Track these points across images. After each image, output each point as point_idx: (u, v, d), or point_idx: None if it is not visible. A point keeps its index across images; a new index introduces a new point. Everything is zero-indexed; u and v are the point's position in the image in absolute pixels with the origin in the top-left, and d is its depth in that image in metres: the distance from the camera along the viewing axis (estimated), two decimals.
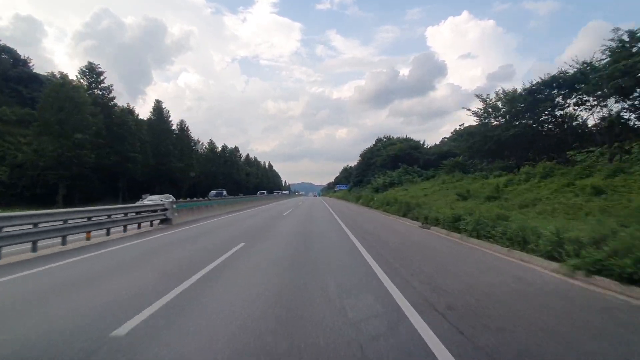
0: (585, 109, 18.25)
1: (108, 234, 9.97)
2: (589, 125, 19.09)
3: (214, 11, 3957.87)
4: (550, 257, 5.55)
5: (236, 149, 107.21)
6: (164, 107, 51.96)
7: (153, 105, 50.38)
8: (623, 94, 14.37)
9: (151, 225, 12.71)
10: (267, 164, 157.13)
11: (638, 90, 14.20)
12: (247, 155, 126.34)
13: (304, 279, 5.09)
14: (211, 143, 78.37)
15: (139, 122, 46.00)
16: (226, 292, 4.53)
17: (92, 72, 38.83)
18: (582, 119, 19.13)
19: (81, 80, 38.55)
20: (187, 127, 57.74)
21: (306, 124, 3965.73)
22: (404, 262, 6.35)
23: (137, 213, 11.86)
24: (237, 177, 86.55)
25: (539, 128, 20.57)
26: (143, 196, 31.80)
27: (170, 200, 20.13)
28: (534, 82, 19.43)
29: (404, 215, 16.25)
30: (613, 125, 16.10)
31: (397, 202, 19.66)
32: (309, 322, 3.36)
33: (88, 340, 2.99)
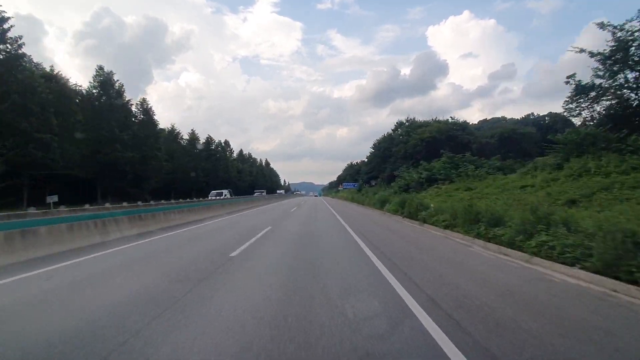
0: None
1: None
2: None
3: (215, 10, 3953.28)
4: None
5: (226, 144, 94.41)
6: (116, 79, 38.84)
7: (95, 72, 37.04)
8: None
9: None
10: (263, 161, 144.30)
11: None
12: (241, 150, 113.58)
13: None
14: (192, 134, 65.50)
15: (68, 92, 32.97)
16: None
17: None
18: None
19: None
20: (150, 109, 44.59)
21: (307, 124, 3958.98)
22: None
23: None
24: (223, 175, 73.62)
25: None
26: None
27: None
28: None
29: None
30: None
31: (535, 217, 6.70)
32: None
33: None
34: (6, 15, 27.56)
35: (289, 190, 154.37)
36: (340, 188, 76.53)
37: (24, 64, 29.07)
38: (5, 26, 27.72)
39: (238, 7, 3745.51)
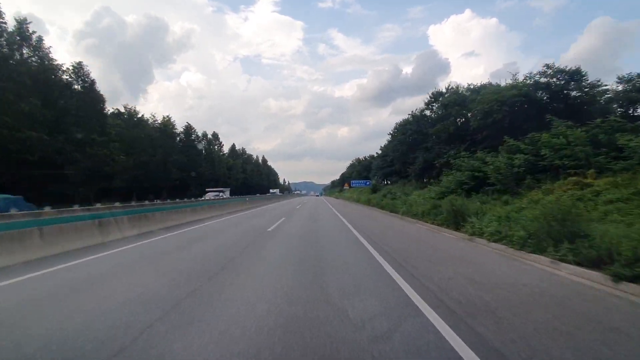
0: None
1: None
2: None
3: (216, 10, 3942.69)
4: None
5: (215, 136, 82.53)
6: (47, 44, 26.80)
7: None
8: None
9: None
10: (260, 158, 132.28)
11: None
12: (233, 145, 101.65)
13: None
14: (166, 120, 53.56)
15: None
16: None
17: None
18: None
19: None
20: (89, 78, 32.45)
21: (308, 123, 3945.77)
22: None
23: None
24: (207, 171, 61.72)
25: None
26: None
27: None
28: None
29: None
30: None
31: None
32: None
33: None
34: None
35: (288, 190, 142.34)
36: (346, 187, 64.49)
37: None
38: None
39: (239, 7, 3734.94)
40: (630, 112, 17.19)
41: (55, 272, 5.43)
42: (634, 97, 16.73)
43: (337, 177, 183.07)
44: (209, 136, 76.73)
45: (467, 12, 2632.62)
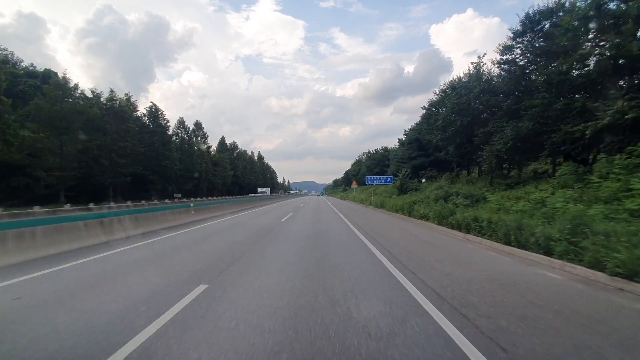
0: None
1: None
2: None
3: (217, 9, 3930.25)
4: None
5: (198, 126, 70.09)
6: None
7: None
8: None
9: None
10: (256, 154, 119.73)
11: None
12: (222, 138, 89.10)
13: None
14: (111, 92, 40.40)
15: None
16: None
17: None
18: None
19: None
20: None
21: (310, 122, 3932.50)
22: None
23: None
24: (181, 167, 49.33)
25: None
26: None
27: None
28: None
29: None
30: None
31: None
32: None
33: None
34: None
35: (284, 190, 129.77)
36: (354, 186, 52.15)
37: None
38: None
39: (241, 6, 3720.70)
40: None
41: None
42: None
43: (339, 176, 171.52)
44: (190, 125, 64.33)
45: (469, 11, 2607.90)
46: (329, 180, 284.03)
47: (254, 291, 4.24)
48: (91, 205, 19.11)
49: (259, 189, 79.09)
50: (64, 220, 7.60)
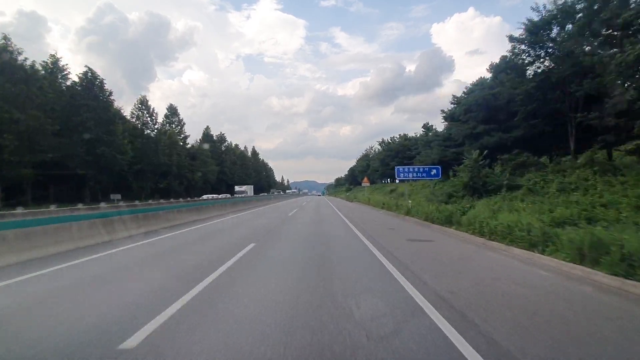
0: None
1: None
2: None
3: (218, 8, 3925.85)
4: None
5: (173, 111, 57.59)
6: None
7: None
8: None
9: None
10: (249, 150, 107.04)
11: None
12: (207, 128, 76.47)
13: None
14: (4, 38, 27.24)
15: None
16: None
17: None
18: None
19: None
20: None
21: (310, 121, 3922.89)
22: None
23: None
24: (111, 154, 36.51)
25: None
26: None
27: None
28: None
29: None
30: None
31: None
32: None
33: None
34: None
35: (278, 189, 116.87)
36: (365, 184, 39.34)
37: None
38: None
39: (241, 5, 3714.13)
40: None
41: None
42: None
43: (340, 175, 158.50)
44: (154, 108, 51.66)
45: (471, 10, 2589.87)
46: (329, 179, 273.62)
47: None
48: None
49: (237, 187, 60.91)
50: None
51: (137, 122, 44.60)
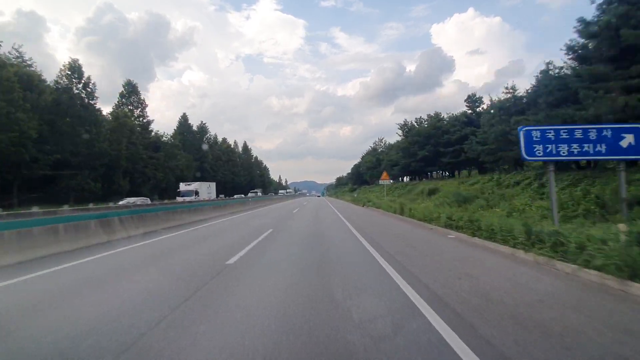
0: None
1: None
2: None
3: (218, 8, 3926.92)
4: None
5: (131, 87, 45.51)
6: None
7: None
8: None
9: None
10: (241, 145, 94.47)
11: None
12: (184, 115, 64.02)
13: None
14: None
15: None
16: None
17: None
18: None
19: None
20: None
21: (310, 122, 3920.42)
22: None
23: None
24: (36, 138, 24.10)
25: None
26: None
27: None
28: None
29: None
30: None
31: None
32: None
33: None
34: None
35: (267, 190, 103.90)
36: (384, 180, 26.72)
37: None
38: None
39: (241, 5, 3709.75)
40: None
41: None
42: None
43: (342, 174, 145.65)
44: (91, 77, 39.10)
45: (470, 11, 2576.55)
46: (329, 179, 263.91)
47: None
48: None
49: (183, 186, 37.14)
50: None
51: (65, 95, 31.94)
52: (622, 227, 4.67)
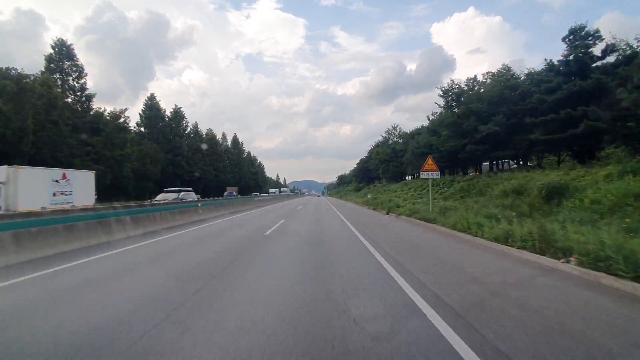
0: None
1: None
2: None
3: (218, 7, 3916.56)
4: None
5: (63, 50, 33.61)
6: None
7: None
8: None
9: None
10: (230, 139, 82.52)
11: None
12: (152, 96, 52.07)
13: None
14: None
15: None
16: None
17: None
18: None
19: None
20: None
21: (310, 121, 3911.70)
22: None
23: None
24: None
25: None
26: None
27: None
28: None
29: None
30: None
31: None
32: None
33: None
34: None
35: (262, 190, 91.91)
36: (427, 173, 15.02)
37: None
38: None
39: (241, 4, 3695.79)
40: None
41: None
42: None
43: (342, 173, 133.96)
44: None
45: (471, 10, 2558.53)
46: (330, 179, 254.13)
47: None
48: None
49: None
50: None
51: None
52: None
